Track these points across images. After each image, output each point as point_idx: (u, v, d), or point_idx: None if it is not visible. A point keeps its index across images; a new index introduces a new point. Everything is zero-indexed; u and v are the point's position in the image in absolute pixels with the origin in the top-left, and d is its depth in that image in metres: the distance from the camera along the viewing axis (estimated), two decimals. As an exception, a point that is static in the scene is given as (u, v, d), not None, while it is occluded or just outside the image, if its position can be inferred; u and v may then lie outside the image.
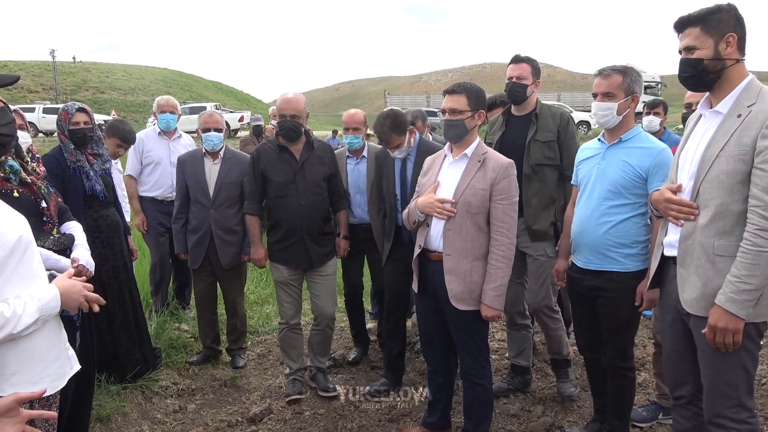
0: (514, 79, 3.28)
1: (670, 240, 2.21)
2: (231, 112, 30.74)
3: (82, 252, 2.41)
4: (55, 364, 1.74)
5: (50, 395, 1.72)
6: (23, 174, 2.28)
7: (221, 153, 4.02)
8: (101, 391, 3.36)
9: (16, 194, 2.23)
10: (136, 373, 3.59)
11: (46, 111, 25.23)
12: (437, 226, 2.74)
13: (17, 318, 1.55)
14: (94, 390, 3.04)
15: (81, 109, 3.33)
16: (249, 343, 4.48)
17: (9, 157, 2.25)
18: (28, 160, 2.39)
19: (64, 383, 1.78)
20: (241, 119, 27.24)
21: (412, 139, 3.48)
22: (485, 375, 2.85)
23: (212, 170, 3.99)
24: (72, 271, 1.92)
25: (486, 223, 2.69)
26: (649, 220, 2.69)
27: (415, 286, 2.95)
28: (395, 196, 3.53)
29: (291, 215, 3.45)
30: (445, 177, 2.79)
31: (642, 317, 3.31)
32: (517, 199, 2.73)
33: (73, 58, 55.55)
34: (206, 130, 4.00)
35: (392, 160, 3.52)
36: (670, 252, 2.22)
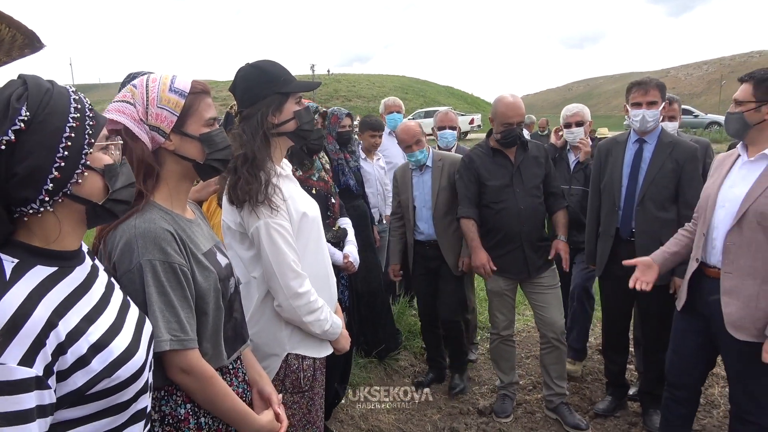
0: None
1: None
2: (462, 114, 31.41)
3: (352, 249, 2.73)
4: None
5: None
6: (323, 173, 2.66)
7: (453, 150, 4.20)
8: (353, 362, 3.79)
9: (314, 191, 2.59)
10: (379, 352, 3.97)
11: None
12: (719, 238, 2.38)
13: (323, 322, 1.87)
14: (352, 359, 3.46)
15: (348, 114, 3.80)
16: (479, 338, 4.59)
17: (316, 157, 2.65)
18: (327, 159, 2.79)
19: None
20: (471, 122, 27.86)
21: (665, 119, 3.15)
22: (763, 414, 2.36)
23: None
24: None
25: None
26: None
27: (679, 303, 2.60)
28: (621, 188, 3.13)
29: (509, 221, 3.24)
30: (735, 180, 2.39)
31: None
32: None
33: (328, 71, 63.33)
34: (441, 128, 4.23)
35: (622, 147, 3.17)
36: None
